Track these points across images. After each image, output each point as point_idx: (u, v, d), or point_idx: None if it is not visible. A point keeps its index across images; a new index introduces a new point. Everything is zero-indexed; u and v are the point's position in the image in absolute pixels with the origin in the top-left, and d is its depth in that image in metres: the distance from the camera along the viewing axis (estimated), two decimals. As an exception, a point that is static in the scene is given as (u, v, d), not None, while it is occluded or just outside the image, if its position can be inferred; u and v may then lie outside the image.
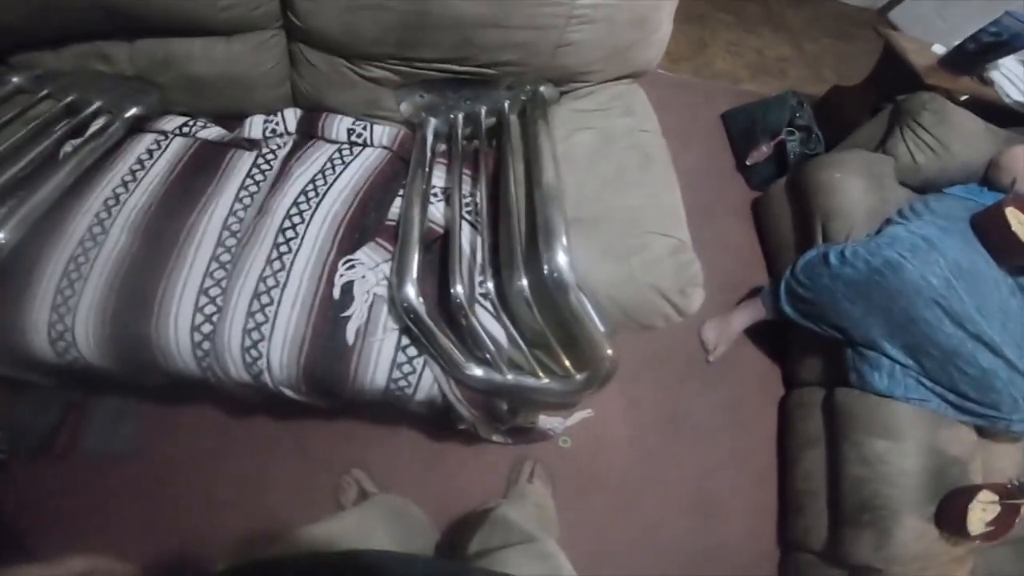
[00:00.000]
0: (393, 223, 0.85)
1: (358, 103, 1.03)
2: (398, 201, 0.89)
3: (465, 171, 0.93)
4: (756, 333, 1.47)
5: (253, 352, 0.77)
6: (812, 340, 1.29)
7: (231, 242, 0.83)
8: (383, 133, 1.00)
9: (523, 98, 0.99)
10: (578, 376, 0.77)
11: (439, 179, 0.93)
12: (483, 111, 1.01)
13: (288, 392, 0.83)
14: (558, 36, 0.91)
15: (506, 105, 0.99)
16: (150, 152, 0.92)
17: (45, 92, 0.95)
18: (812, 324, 1.21)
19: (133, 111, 0.96)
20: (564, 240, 0.69)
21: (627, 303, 0.77)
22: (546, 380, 0.77)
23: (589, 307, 0.70)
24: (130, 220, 0.82)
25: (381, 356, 0.78)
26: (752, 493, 1.34)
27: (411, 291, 0.72)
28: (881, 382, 1.11)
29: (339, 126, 1.00)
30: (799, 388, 1.39)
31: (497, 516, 0.74)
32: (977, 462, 1.10)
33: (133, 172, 0.88)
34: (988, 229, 1.19)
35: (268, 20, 0.94)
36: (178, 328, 0.77)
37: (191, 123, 0.98)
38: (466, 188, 0.89)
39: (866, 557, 1.06)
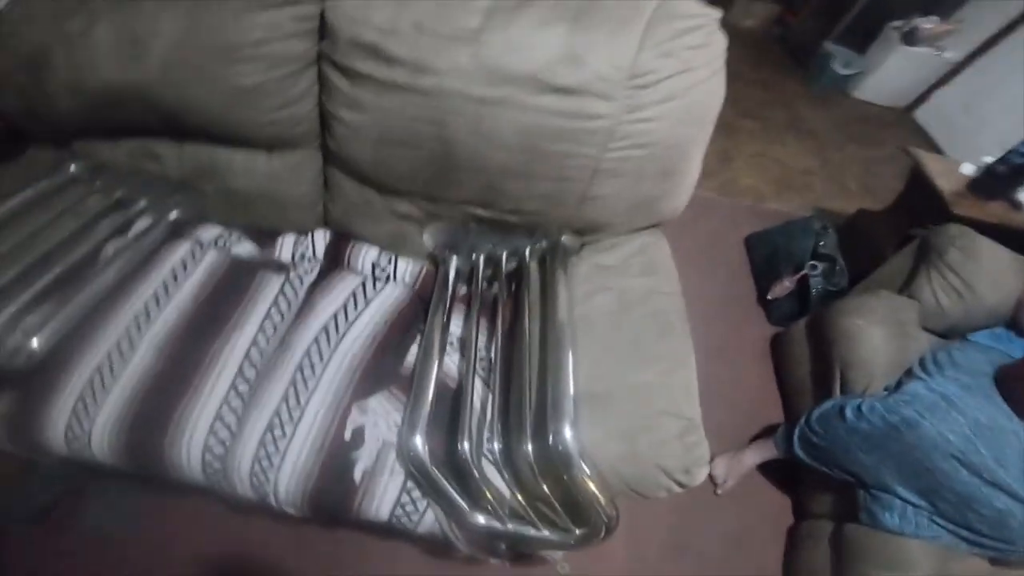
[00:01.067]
0: (408, 373, 0.87)
1: (384, 235, 1.07)
2: (414, 348, 0.92)
3: (482, 319, 0.95)
4: (766, 463, 1.44)
5: (261, 477, 0.79)
6: (823, 477, 1.26)
7: (251, 373, 0.86)
8: (406, 269, 1.04)
9: (544, 246, 1.02)
10: (578, 531, 0.77)
11: (456, 325, 0.96)
12: (504, 255, 1.05)
13: (292, 511, 0.84)
14: (583, 189, 0.93)
15: (527, 252, 1.02)
16: (184, 264, 0.97)
17: (97, 185, 1.03)
18: (824, 468, 1.19)
19: (175, 215, 1.03)
20: (571, 414, 0.71)
21: (631, 478, 0.77)
22: (546, 532, 0.78)
23: (591, 477, 0.71)
24: (158, 339, 0.87)
25: (386, 495, 0.79)
26: (757, 624, 1.27)
27: (419, 443, 0.75)
28: (892, 521, 1.09)
29: (365, 258, 1.04)
30: (808, 519, 1.34)
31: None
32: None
33: (166, 286, 0.93)
34: (1013, 386, 1.16)
35: (307, 140, 1.01)
36: (191, 448, 0.80)
37: (226, 236, 1.04)
38: (482, 340, 0.91)
39: None
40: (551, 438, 0.70)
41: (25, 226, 0.91)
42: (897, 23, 3.10)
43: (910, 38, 3.03)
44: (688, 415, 0.78)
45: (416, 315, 0.97)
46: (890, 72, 3.18)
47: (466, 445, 0.74)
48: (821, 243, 1.72)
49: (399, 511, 0.80)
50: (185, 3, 0.88)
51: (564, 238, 1.01)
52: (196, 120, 0.96)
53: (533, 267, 0.96)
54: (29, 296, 0.82)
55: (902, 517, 1.08)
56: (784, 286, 1.73)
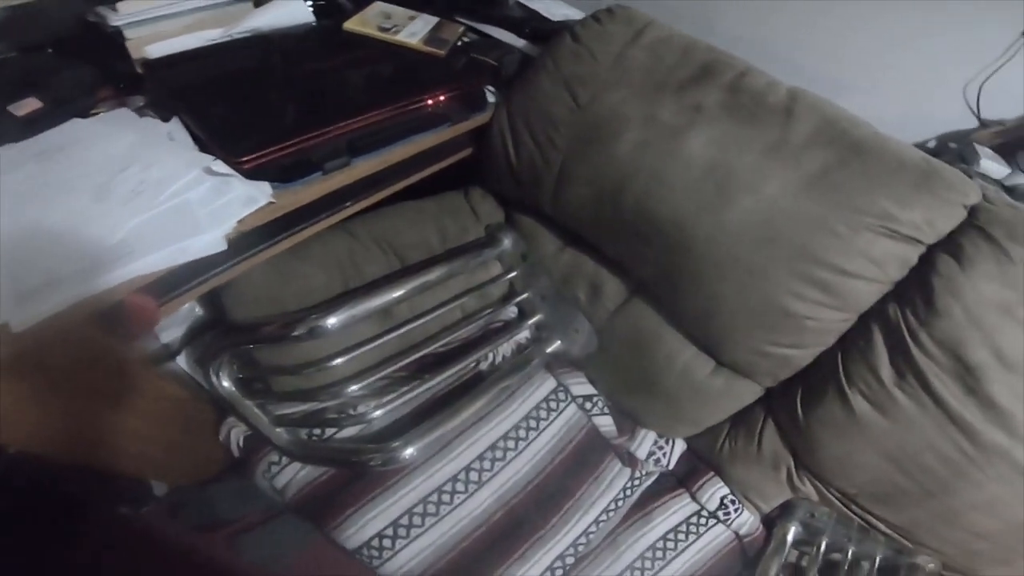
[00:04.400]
0: None
1: (750, 481, 0.91)
2: None
3: None
4: None
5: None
6: None
7: (570, 560, 0.82)
8: (745, 520, 0.91)
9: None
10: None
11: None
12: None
13: None
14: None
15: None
16: (548, 406, 0.90)
17: (511, 272, 0.99)
18: None
19: (558, 345, 0.95)
20: None
21: None
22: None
23: None
24: (503, 490, 0.82)
25: None
26: None
27: None
28: None
29: (715, 494, 0.91)
30: None
31: None
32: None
33: (526, 428, 0.87)
34: None
35: (766, 380, 0.86)
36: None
37: (594, 399, 0.94)
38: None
39: None
40: None
41: (439, 288, 0.90)
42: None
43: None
44: None
45: (739, 562, 0.91)
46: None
47: None
48: None
49: None
50: (800, 174, 0.72)
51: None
52: (691, 290, 0.80)
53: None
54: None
55: None
56: None
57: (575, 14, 1.03)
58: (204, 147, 0.72)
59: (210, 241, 0.63)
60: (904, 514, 0.81)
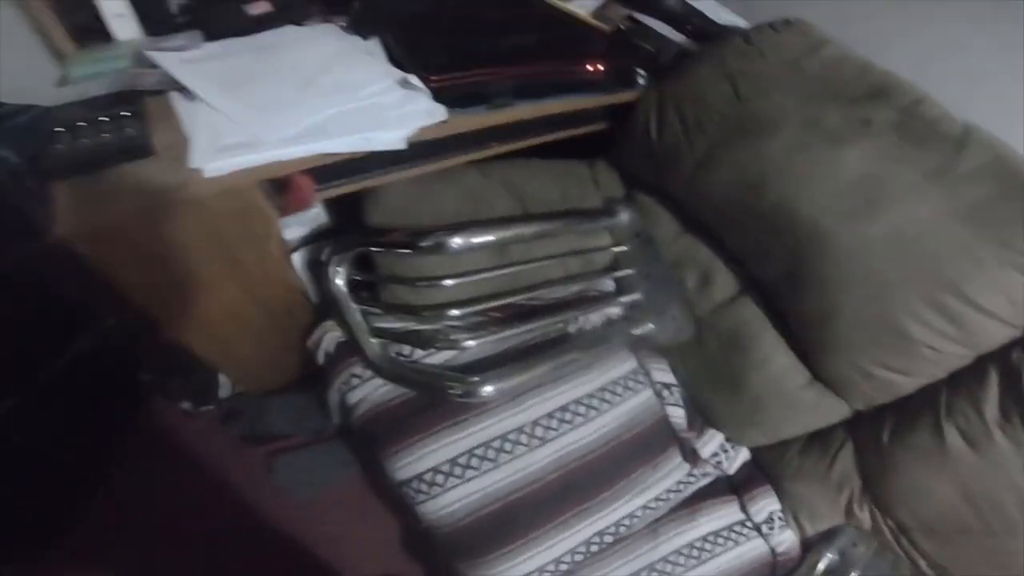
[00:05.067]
0: None
1: (799, 496, 0.90)
2: None
3: None
4: None
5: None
6: None
7: (608, 539, 0.83)
8: (787, 539, 0.89)
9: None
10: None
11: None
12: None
13: None
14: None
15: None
16: (627, 384, 0.91)
17: (624, 244, 1.01)
18: None
19: (649, 328, 0.97)
20: None
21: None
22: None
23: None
24: (563, 452, 0.83)
25: None
26: None
27: None
28: None
29: (766, 504, 0.90)
30: None
31: None
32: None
33: (602, 397, 0.88)
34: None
35: (857, 403, 0.85)
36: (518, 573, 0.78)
37: (672, 388, 0.95)
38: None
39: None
40: None
41: (549, 242, 0.94)
42: None
43: None
44: None
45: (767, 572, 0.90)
46: None
47: None
48: None
49: None
50: (958, 202, 0.71)
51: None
52: (813, 294, 0.80)
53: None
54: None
55: None
56: None
57: (740, 21, 1.06)
58: (398, 66, 0.81)
59: (394, 138, 0.72)
60: (953, 551, 0.79)
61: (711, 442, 0.95)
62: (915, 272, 0.73)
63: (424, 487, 0.79)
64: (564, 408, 0.86)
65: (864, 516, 0.86)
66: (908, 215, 0.73)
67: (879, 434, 0.82)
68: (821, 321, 0.80)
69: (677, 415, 0.94)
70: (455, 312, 0.87)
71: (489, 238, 0.87)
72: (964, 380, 0.75)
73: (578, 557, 0.81)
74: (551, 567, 0.79)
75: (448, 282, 0.85)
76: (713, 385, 0.96)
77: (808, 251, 0.79)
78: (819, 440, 0.91)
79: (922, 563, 0.82)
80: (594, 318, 0.99)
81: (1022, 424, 0.70)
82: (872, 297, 0.75)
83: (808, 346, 0.85)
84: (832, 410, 0.88)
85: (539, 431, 0.83)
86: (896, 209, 0.74)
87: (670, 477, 0.90)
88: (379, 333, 0.88)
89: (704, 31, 1.03)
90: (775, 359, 0.88)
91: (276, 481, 1.11)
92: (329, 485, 1.12)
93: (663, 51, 1.02)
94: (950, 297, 0.71)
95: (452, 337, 0.85)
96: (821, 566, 0.86)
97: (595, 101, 0.96)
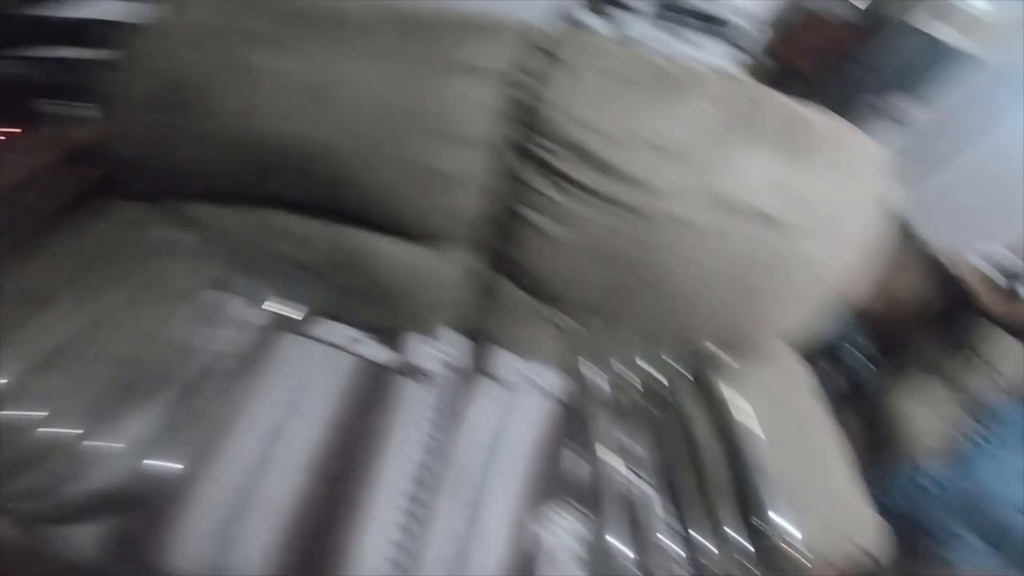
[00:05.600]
0: (573, 480, 0.82)
1: (527, 342, 0.95)
2: (570, 456, 0.85)
3: (631, 423, 0.89)
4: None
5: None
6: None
7: (421, 492, 0.77)
8: (549, 378, 0.94)
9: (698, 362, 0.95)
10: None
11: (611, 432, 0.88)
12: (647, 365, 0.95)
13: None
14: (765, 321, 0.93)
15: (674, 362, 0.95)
16: (309, 367, 0.85)
17: (199, 261, 0.87)
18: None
19: (295, 310, 0.88)
20: (782, 502, 0.72)
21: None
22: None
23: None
24: (304, 458, 0.75)
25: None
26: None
27: (618, 546, 0.72)
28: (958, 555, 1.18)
29: (506, 366, 0.94)
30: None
31: None
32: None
33: (296, 393, 0.81)
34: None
35: (466, 237, 0.91)
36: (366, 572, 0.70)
37: (353, 337, 0.90)
38: (637, 446, 0.85)
39: None
40: (766, 527, 0.71)
41: (118, 309, 0.77)
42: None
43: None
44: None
45: (566, 424, 0.89)
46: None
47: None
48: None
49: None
50: (391, 61, 0.76)
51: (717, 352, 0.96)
52: (359, 196, 0.83)
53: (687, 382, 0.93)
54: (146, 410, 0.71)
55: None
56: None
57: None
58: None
59: None
60: (639, 307, 0.91)
61: (417, 347, 0.93)
62: (398, 126, 0.79)
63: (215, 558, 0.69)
64: (277, 423, 0.77)
65: (570, 324, 0.93)
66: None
67: (506, 253, 0.92)
68: (369, 198, 0.85)
69: (370, 350, 0.90)
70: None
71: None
72: (512, 178, 0.87)
73: (412, 526, 0.74)
74: (393, 551, 0.71)
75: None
76: (361, 305, 0.93)
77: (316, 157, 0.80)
78: (479, 289, 0.97)
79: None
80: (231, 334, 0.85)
81: (571, 185, 0.82)
82: (388, 160, 0.81)
83: (380, 219, 0.88)
84: (456, 258, 0.94)
85: (271, 450, 0.74)
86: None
87: (413, 411, 0.84)
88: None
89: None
90: (379, 248, 0.90)
91: None
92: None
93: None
94: (432, 123, 0.81)
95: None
96: (599, 381, 0.91)
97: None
